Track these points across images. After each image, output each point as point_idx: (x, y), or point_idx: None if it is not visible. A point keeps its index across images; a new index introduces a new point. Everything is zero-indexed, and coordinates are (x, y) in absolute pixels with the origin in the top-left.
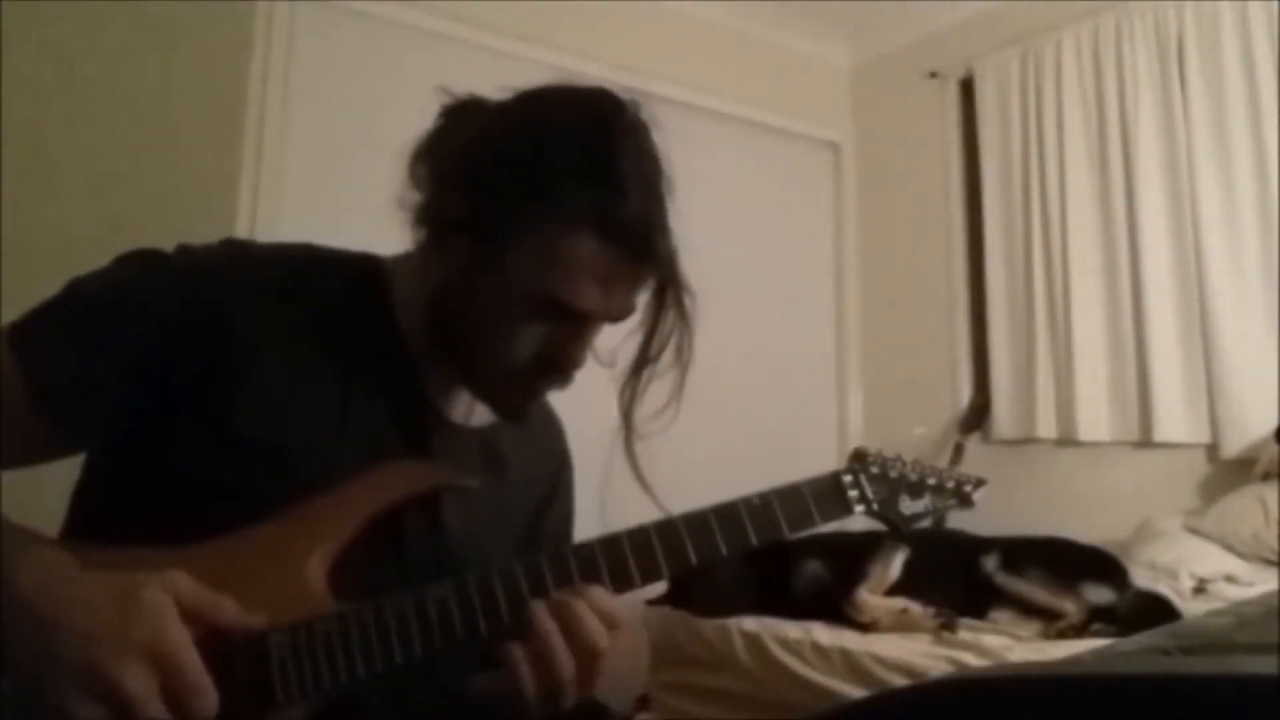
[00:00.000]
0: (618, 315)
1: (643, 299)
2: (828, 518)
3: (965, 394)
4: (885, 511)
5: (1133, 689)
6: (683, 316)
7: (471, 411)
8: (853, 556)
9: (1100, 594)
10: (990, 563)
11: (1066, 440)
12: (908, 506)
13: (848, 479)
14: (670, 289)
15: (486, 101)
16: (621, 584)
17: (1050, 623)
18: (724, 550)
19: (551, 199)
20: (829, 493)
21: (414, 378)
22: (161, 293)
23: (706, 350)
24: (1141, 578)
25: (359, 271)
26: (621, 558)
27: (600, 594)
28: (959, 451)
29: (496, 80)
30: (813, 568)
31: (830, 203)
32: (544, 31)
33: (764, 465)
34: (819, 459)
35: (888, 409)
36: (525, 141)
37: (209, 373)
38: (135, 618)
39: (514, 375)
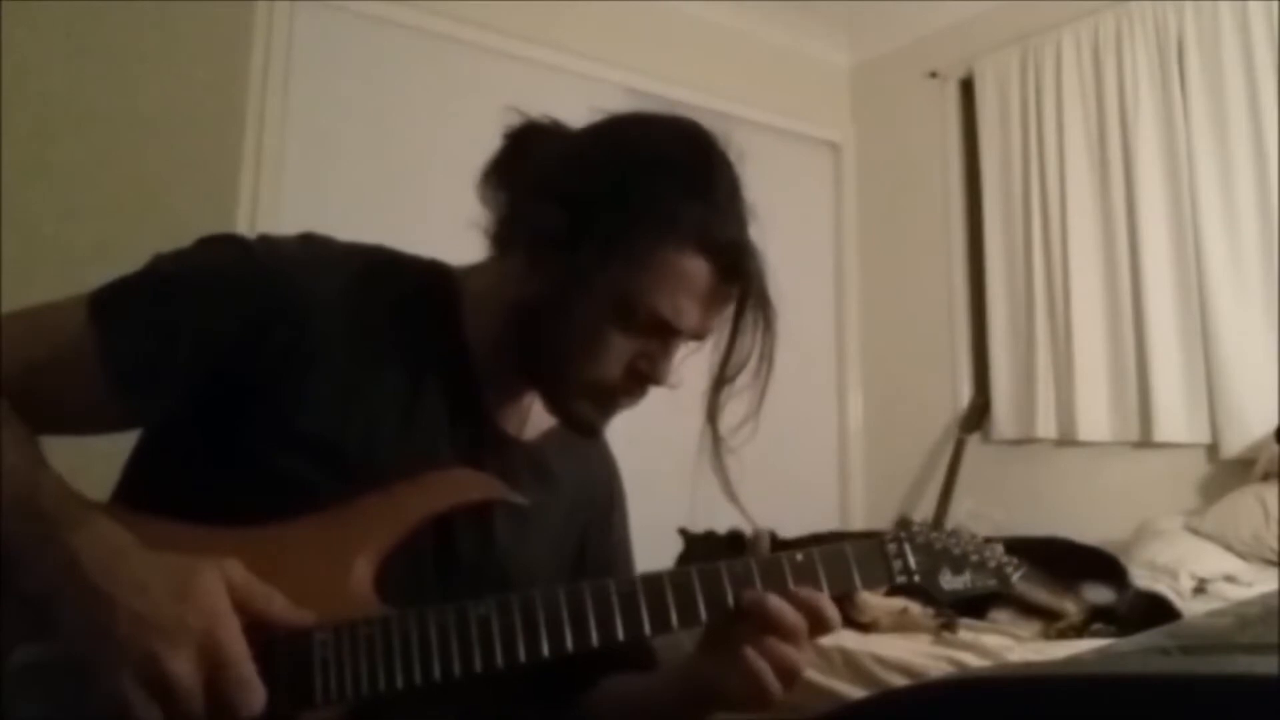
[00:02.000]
0: (704, 334)
1: (719, 318)
2: (869, 585)
3: (965, 394)
4: (926, 584)
5: (1133, 689)
6: (768, 332)
7: (525, 426)
8: None
9: (1100, 594)
10: None
11: (1066, 440)
12: (948, 581)
13: (892, 547)
14: (751, 305)
15: (561, 123)
16: (660, 626)
17: (1050, 623)
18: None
19: (662, 218)
20: (872, 559)
21: (474, 388)
22: (244, 280)
23: (706, 349)
24: (1141, 578)
25: (430, 278)
26: (663, 601)
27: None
28: (960, 451)
29: (498, 80)
30: None
31: (830, 203)
32: (545, 32)
33: (764, 465)
34: (819, 459)
35: (888, 409)
36: (632, 161)
37: (280, 364)
38: (191, 606)
39: (598, 389)
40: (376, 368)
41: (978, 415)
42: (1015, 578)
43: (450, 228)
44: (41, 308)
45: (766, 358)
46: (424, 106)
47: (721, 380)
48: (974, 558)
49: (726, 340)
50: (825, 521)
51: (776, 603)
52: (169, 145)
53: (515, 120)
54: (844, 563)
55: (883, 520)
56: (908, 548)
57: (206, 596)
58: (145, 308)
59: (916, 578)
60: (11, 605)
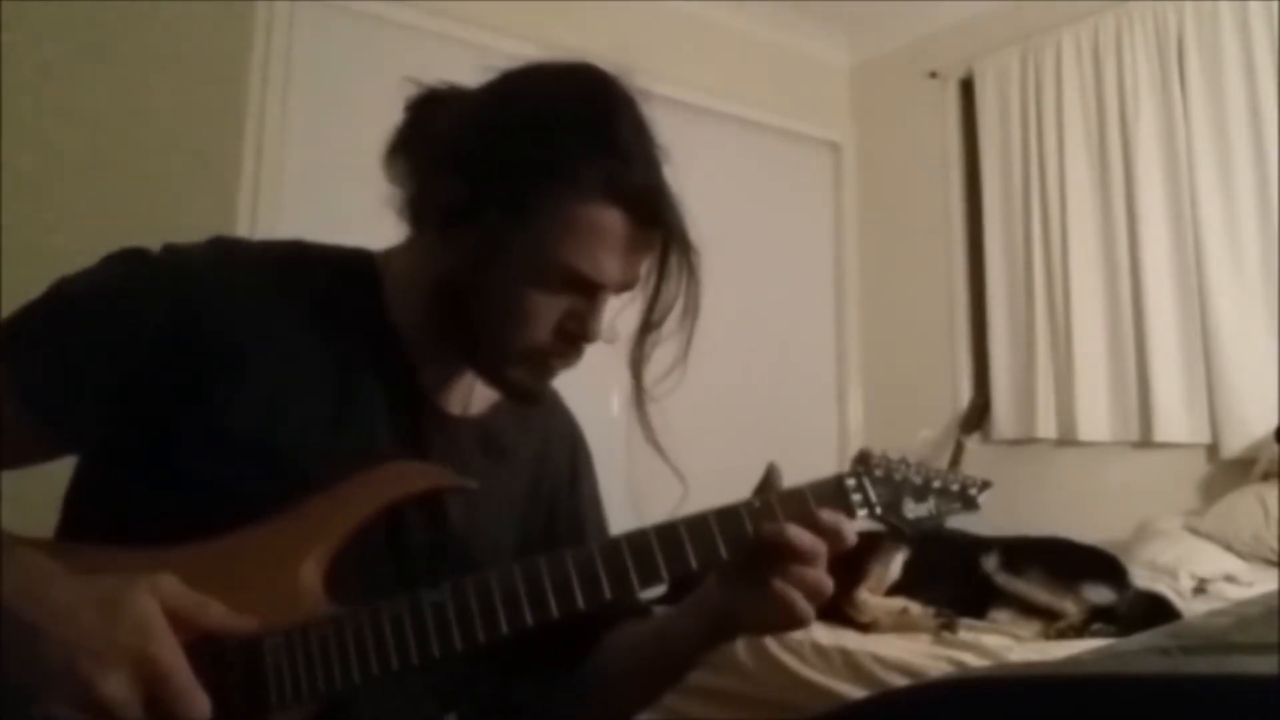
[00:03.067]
0: (630, 284)
1: (645, 265)
2: None
3: (965, 394)
4: (888, 516)
5: (1133, 689)
6: (692, 276)
7: (469, 402)
8: (852, 556)
9: (1100, 594)
10: (990, 563)
11: (1066, 440)
12: (911, 510)
13: (851, 482)
14: (675, 250)
15: (459, 88)
16: (621, 589)
17: (1050, 623)
18: (724, 553)
19: (564, 174)
20: (831, 496)
21: (409, 372)
22: (151, 293)
23: (705, 350)
24: (1141, 578)
25: (350, 267)
26: (620, 563)
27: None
28: (960, 451)
29: None
30: None
31: (830, 203)
32: (545, 31)
33: (764, 464)
34: (819, 459)
35: (888, 409)
36: (526, 119)
37: (201, 373)
38: (120, 624)
39: (530, 355)
40: (304, 363)
41: (978, 415)
42: (980, 498)
43: None
44: None
45: (692, 303)
46: None
47: (646, 327)
48: (936, 484)
49: (651, 287)
50: None
51: (796, 530)
52: (169, 145)
53: (412, 91)
54: (803, 503)
55: None
56: (867, 481)
57: (137, 613)
58: (54, 332)
59: (878, 510)
60: None
